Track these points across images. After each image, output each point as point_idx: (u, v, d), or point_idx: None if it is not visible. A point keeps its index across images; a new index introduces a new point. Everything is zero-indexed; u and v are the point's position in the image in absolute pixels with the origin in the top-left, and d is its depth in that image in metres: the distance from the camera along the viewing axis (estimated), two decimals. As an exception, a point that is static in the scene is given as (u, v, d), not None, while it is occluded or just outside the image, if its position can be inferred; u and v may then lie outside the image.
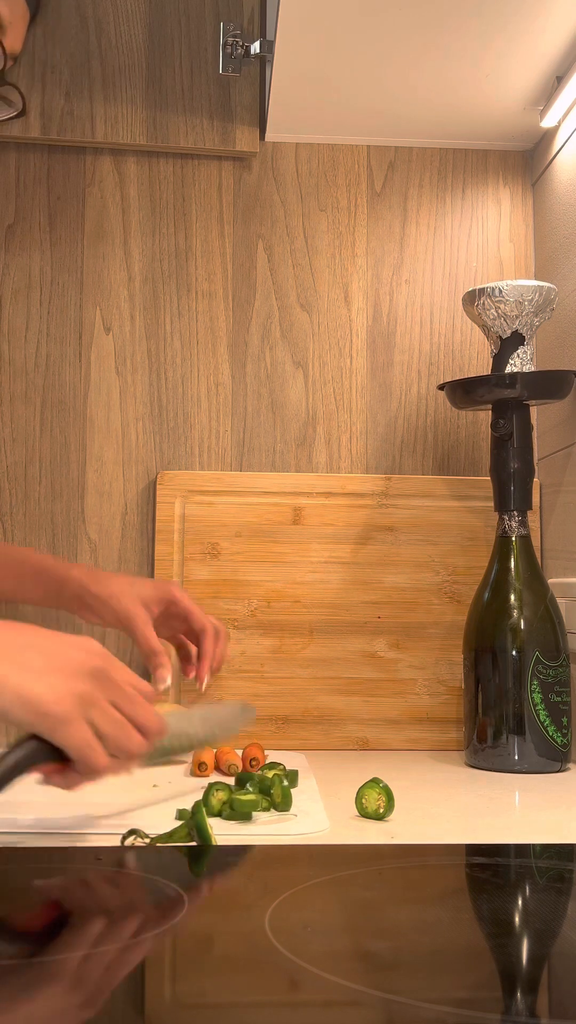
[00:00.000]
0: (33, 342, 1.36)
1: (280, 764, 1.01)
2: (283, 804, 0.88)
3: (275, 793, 0.89)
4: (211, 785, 0.88)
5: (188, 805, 0.90)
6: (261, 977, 0.52)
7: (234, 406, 1.38)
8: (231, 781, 1.01)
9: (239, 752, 1.13)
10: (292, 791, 0.96)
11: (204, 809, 0.79)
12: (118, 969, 0.54)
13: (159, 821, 0.85)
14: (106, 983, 0.52)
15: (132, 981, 0.53)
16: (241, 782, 0.96)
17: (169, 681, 1.09)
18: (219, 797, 0.88)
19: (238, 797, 0.86)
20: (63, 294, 1.37)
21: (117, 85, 1.34)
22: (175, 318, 1.38)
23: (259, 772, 0.98)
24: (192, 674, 1.14)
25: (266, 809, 0.88)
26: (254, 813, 0.86)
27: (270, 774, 0.95)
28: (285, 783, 0.90)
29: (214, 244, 1.39)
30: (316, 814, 0.88)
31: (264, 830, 0.83)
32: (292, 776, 0.99)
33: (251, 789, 0.90)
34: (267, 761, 1.07)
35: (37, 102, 1.33)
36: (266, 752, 1.18)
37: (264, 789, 0.90)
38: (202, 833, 0.77)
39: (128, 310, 1.37)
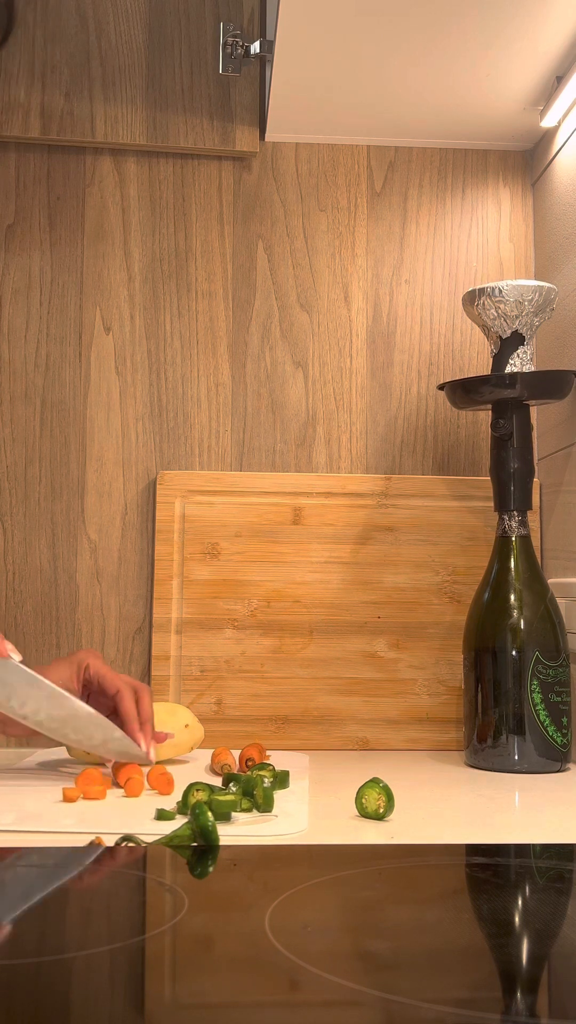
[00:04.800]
0: (33, 342, 1.36)
1: (270, 765, 1.01)
2: (265, 805, 0.88)
3: (257, 794, 0.88)
4: (191, 785, 0.88)
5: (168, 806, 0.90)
6: (261, 977, 0.52)
7: (234, 406, 1.38)
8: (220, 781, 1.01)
9: (236, 753, 1.14)
10: (282, 792, 0.96)
11: (208, 809, 0.79)
12: (118, 969, 0.54)
13: (140, 821, 0.85)
14: (106, 983, 0.52)
15: (132, 981, 0.53)
16: (228, 782, 0.95)
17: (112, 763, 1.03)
18: (198, 797, 0.87)
19: (217, 797, 0.86)
20: (63, 294, 1.37)
21: (117, 85, 1.34)
22: (175, 318, 1.38)
23: (248, 773, 0.97)
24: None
25: (247, 810, 0.88)
26: (234, 813, 0.86)
27: (263, 773, 0.96)
28: (266, 784, 0.90)
29: (214, 244, 1.39)
30: (297, 815, 0.87)
31: (239, 830, 0.83)
32: (283, 777, 0.99)
33: (233, 789, 0.90)
34: (264, 762, 1.07)
35: (37, 102, 1.33)
36: (268, 753, 1.18)
37: (249, 790, 0.90)
38: (206, 833, 0.77)
39: (128, 310, 1.37)
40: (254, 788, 0.89)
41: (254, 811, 0.88)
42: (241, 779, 0.92)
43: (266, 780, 0.92)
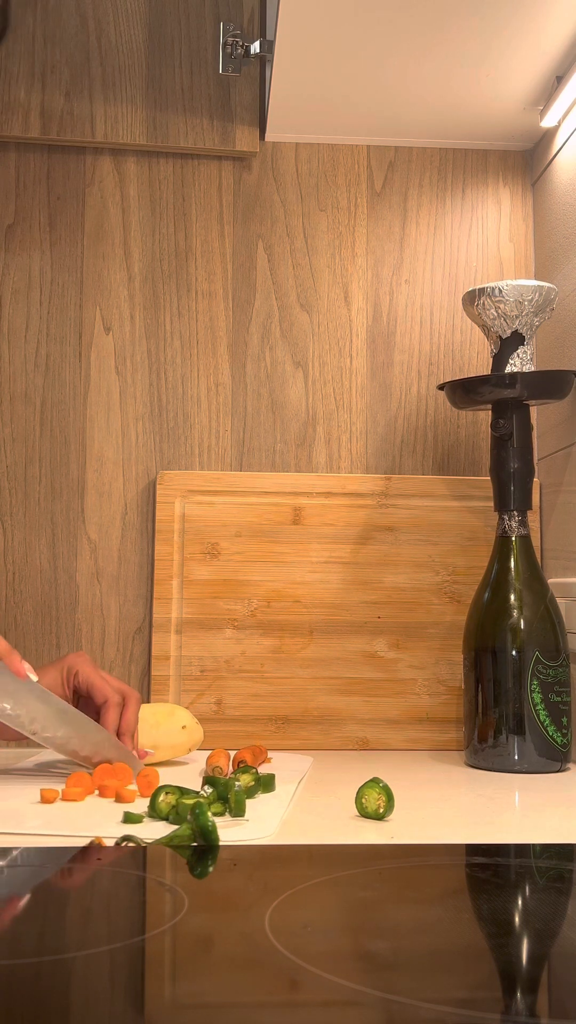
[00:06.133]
0: (33, 342, 1.36)
1: (254, 769, 1.00)
2: (236, 810, 0.87)
3: (230, 798, 0.88)
4: (160, 788, 0.88)
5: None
6: (261, 977, 0.52)
7: (234, 406, 1.38)
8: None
9: (231, 753, 1.13)
10: (265, 796, 0.96)
11: (208, 810, 0.79)
12: (118, 969, 0.54)
13: (108, 823, 0.85)
14: (106, 983, 0.52)
15: (132, 981, 0.53)
16: (204, 785, 0.95)
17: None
18: (167, 800, 0.87)
19: (184, 800, 0.85)
20: (63, 294, 1.37)
21: (117, 85, 1.34)
22: (175, 318, 1.38)
23: (230, 776, 0.97)
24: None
25: (219, 813, 0.88)
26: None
27: (243, 777, 0.95)
28: (238, 787, 0.90)
29: (214, 244, 1.39)
30: (268, 821, 0.86)
31: None
32: (268, 781, 0.98)
33: (203, 794, 0.89)
34: (250, 765, 1.06)
35: (37, 102, 1.33)
36: (271, 755, 1.18)
37: (224, 794, 0.89)
38: (206, 833, 0.77)
39: (128, 310, 1.37)
40: (223, 792, 0.89)
41: (227, 815, 0.88)
42: (219, 783, 0.91)
43: (238, 784, 0.91)
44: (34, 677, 1.01)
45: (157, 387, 1.37)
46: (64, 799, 0.94)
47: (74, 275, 1.37)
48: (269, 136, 1.39)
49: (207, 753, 1.18)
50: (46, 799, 0.93)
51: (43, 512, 1.34)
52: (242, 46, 1.34)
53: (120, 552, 1.34)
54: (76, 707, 1.08)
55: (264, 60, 1.34)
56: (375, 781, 0.89)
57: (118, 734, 1.07)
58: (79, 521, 1.35)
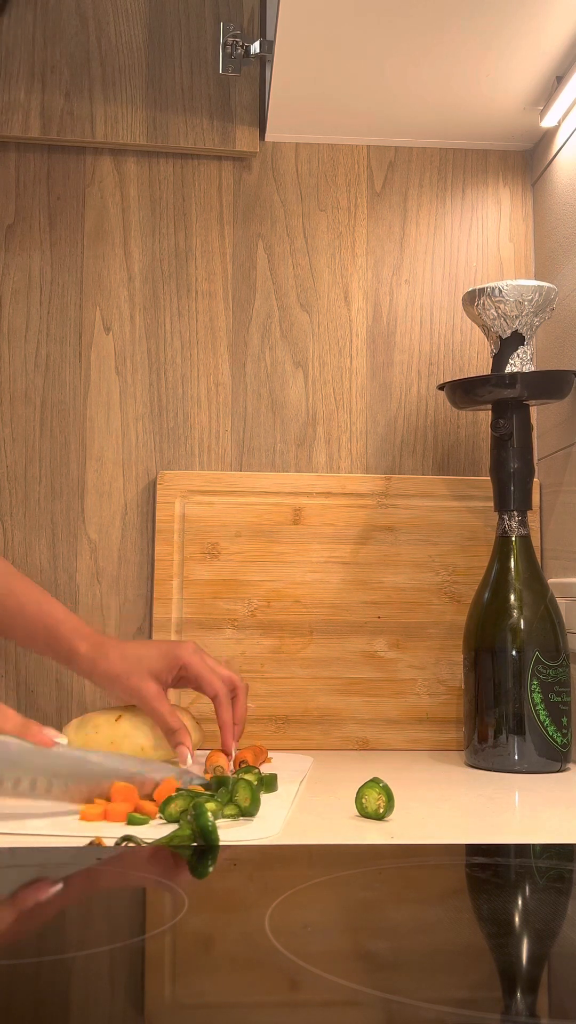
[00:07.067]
0: (33, 342, 1.36)
1: (256, 769, 1.00)
2: (249, 809, 0.87)
3: (238, 798, 0.88)
4: (170, 797, 0.87)
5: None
6: (261, 977, 0.52)
7: (234, 406, 1.38)
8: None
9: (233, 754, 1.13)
10: (267, 796, 0.95)
11: (207, 810, 0.79)
12: (118, 969, 0.54)
13: (112, 825, 0.85)
14: (106, 983, 0.52)
15: (132, 981, 0.53)
16: (214, 786, 0.95)
17: (191, 760, 1.01)
18: (178, 804, 0.87)
19: (198, 802, 0.85)
20: (63, 294, 1.37)
21: (117, 85, 1.34)
22: (175, 318, 1.38)
23: (234, 776, 0.97)
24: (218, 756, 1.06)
25: (234, 816, 0.87)
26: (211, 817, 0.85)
27: (246, 777, 0.95)
28: (256, 783, 0.89)
29: (214, 244, 1.39)
30: (272, 820, 0.86)
31: None
32: (270, 781, 0.98)
33: (212, 794, 0.89)
34: (251, 765, 1.06)
35: (37, 102, 1.33)
36: (271, 755, 1.18)
37: (232, 794, 0.89)
38: (206, 833, 0.77)
39: (128, 310, 1.37)
40: (234, 792, 0.89)
41: (238, 815, 0.88)
42: (228, 782, 0.91)
43: (247, 784, 0.91)
44: (63, 740, 0.92)
45: (157, 387, 1.37)
46: (82, 819, 0.90)
47: (74, 275, 1.37)
48: (269, 136, 1.39)
49: (207, 753, 1.18)
50: (87, 817, 0.87)
51: (43, 512, 1.34)
52: (242, 46, 1.34)
53: (120, 552, 1.34)
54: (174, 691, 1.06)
55: (264, 60, 1.34)
56: (375, 781, 0.89)
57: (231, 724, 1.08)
58: (79, 521, 1.35)
